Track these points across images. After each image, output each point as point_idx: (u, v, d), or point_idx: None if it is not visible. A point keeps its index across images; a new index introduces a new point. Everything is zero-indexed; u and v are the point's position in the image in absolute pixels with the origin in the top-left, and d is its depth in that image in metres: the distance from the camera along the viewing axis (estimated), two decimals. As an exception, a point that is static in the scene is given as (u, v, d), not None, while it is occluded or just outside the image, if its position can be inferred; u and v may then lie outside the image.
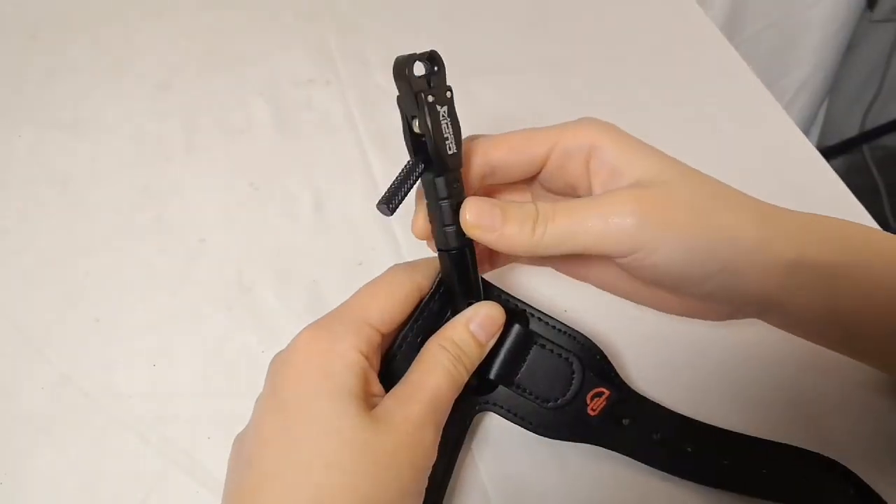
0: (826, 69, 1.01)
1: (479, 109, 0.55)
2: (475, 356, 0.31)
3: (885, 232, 0.31)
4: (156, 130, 0.52)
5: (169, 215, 0.47)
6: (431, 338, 0.30)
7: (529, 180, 0.33)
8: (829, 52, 0.99)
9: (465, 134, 0.30)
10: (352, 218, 0.48)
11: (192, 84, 0.55)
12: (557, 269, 0.35)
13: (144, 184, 0.49)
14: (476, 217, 0.28)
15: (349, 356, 0.28)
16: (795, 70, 1.00)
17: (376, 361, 0.30)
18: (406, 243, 0.46)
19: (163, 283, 0.44)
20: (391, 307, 0.30)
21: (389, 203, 0.28)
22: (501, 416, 0.34)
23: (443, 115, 0.27)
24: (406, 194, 0.29)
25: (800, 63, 1.00)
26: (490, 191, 0.34)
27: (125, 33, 0.59)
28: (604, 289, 0.34)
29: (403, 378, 0.30)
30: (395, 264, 0.32)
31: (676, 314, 0.32)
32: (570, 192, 0.32)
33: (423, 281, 0.31)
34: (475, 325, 0.30)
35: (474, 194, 0.30)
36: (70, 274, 0.44)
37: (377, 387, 0.29)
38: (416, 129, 0.28)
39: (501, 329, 0.31)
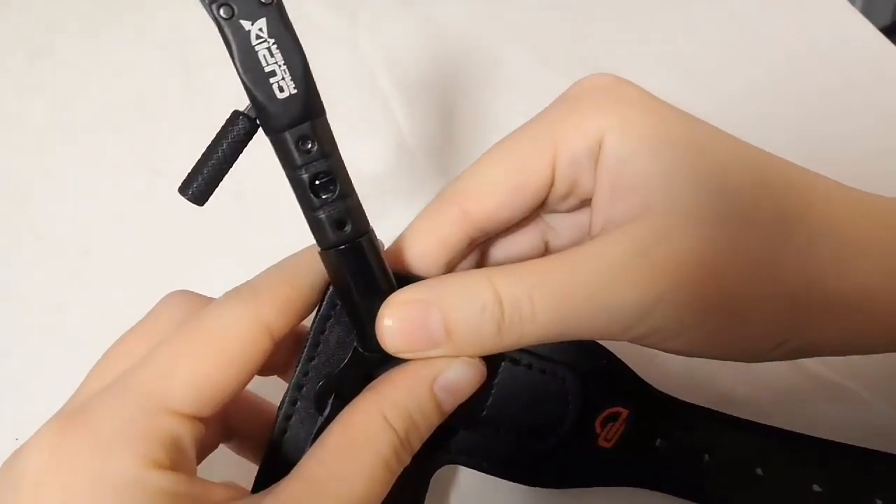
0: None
1: (441, 32, 0.44)
2: (433, 426, 0.21)
3: None
4: (29, 112, 0.41)
5: (45, 222, 0.37)
6: (366, 400, 0.20)
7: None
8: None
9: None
10: (278, 209, 0.36)
11: (74, 47, 0.44)
12: None
13: (13, 182, 0.39)
14: (400, 339, 0.19)
15: (132, 487, 0.16)
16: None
17: (197, 460, 0.19)
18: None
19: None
20: (217, 373, 0.18)
21: (188, 188, 0.18)
22: (474, 468, 0.24)
23: (257, 35, 0.17)
24: (218, 172, 0.18)
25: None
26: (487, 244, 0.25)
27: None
28: None
29: (297, 474, 0.18)
30: (219, 299, 0.20)
31: None
32: (586, 206, 0.23)
33: (272, 316, 0.19)
34: (441, 387, 0.20)
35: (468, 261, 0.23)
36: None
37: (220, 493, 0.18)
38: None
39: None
